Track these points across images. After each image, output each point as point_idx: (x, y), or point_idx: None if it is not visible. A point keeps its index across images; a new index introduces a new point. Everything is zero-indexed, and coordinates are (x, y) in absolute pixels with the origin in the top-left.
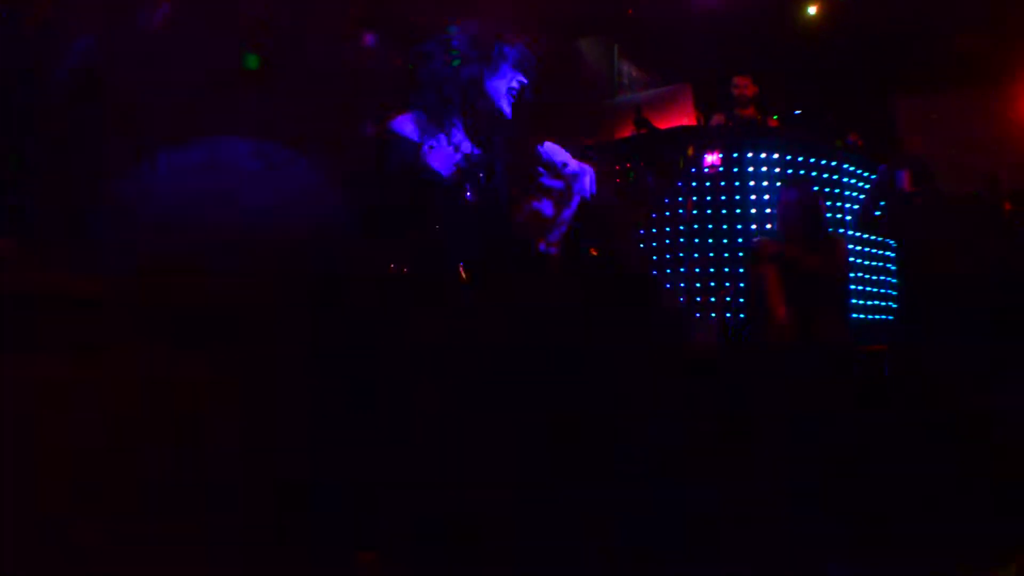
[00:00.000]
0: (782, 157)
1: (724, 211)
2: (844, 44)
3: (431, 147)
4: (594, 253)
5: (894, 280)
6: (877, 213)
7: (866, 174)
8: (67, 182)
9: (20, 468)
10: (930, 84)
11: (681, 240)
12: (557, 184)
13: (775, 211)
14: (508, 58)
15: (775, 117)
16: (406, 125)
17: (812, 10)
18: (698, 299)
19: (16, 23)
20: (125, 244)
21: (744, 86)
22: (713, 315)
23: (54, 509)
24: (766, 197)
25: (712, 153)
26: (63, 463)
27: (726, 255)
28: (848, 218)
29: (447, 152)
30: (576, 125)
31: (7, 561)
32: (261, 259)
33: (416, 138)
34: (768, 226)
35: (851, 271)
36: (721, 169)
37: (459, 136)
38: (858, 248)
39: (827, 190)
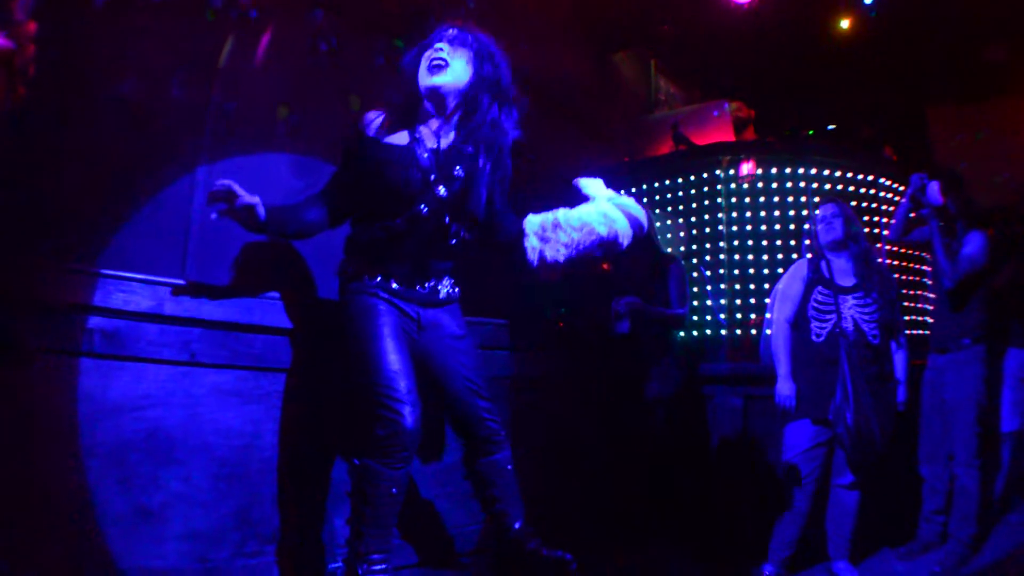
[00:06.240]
0: (819, 172)
1: (763, 227)
2: (878, 58)
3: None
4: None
5: (931, 295)
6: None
7: (900, 188)
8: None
9: None
10: (964, 96)
11: (721, 257)
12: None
13: (811, 226)
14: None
15: (810, 132)
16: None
17: (845, 23)
18: (738, 316)
19: None
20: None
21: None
22: (753, 331)
23: None
24: (804, 213)
25: (747, 161)
26: None
27: (765, 271)
28: (885, 232)
29: None
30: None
31: None
32: None
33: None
34: (807, 242)
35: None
36: (760, 184)
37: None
38: (893, 263)
39: (863, 204)
